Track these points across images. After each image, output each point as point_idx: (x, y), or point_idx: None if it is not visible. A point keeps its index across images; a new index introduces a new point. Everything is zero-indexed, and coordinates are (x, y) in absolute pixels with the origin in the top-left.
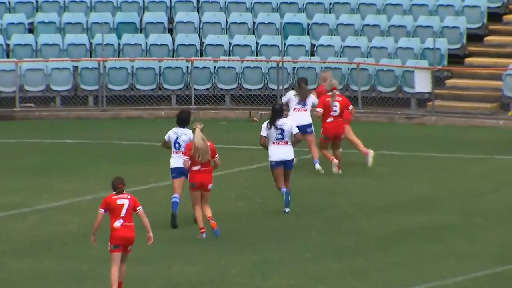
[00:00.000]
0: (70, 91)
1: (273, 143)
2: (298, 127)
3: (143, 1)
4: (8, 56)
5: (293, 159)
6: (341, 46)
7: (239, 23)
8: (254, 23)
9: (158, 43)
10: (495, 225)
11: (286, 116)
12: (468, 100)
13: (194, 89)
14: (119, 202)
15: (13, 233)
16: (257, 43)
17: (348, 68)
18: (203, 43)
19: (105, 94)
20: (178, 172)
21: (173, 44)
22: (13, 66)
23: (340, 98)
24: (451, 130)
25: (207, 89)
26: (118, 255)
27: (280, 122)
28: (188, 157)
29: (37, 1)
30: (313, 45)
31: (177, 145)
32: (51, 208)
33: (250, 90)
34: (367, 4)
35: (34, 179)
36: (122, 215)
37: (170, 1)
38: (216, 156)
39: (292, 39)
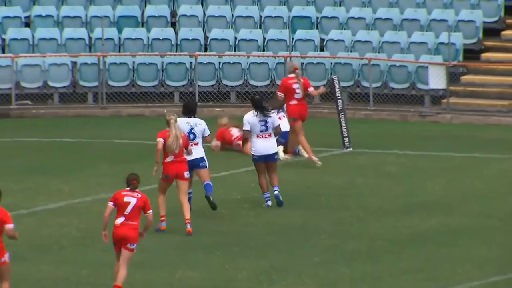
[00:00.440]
0: (68, 87)
1: (257, 136)
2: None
3: None
4: (3, 51)
5: (277, 152)
6: (352, 40)
7: (245, 16)
8: (260, 16)
9: (161, 38)
10: None
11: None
12: (484, 97)
13: (198, 85)
14: (126, 199)
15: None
16: (264, 38)
17: (359, 64)
18: (208, 37)
19: (105, 91)
20: (189, 166)
21: (176, 38)
22: (9, 62)
23: (302, 80)
24: (467, 128)
25: (212, 85)
26: (118, 254)
27: (264, 113)
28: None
29: None
30: (322, 40)
31: (191, 136)
32: (48, 210)
33: (256, 86)
34: None
35: (30, 180)
36: (126, 212)
37: None
38: (188, 146)
39: (300, 34)
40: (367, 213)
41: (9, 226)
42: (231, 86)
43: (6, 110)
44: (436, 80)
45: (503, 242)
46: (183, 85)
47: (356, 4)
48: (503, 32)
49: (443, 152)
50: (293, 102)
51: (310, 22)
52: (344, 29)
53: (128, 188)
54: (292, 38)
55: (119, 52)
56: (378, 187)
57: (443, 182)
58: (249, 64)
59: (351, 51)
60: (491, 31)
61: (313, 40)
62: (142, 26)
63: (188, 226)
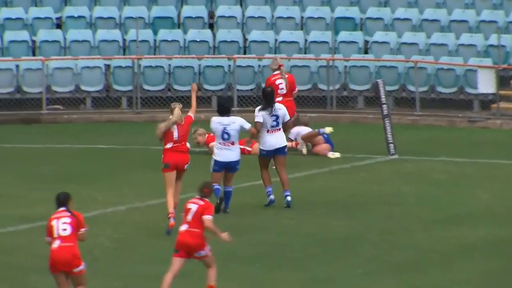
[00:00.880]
0: (101, 92)
1: (268, 131)
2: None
3: None
4: (34, 54)
5: (286, 145)
6: (397, 42)
7: (286, 17)
8: (302, 17)
9: (198, 40)
10: None
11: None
12: None
13: (237, 89)
14: (188, 206)
15: (39, 248)
16: (306, 40)
17: (405, 67)
18: (247, 39)
19: (139, 95)
20: (221, 166)
21: (214, 40)
22: (40, 65)
23: (287, 76)
24: None
25: (251, 89)
26: (176, 260)
27: (275, 107)
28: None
29: None
30: (366, 42)
31: (225, 135)
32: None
33: (298, 90)
34: None
35: (62, 188)
36: (187, 219)
37: None
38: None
39: (343, 35)
40: (413, 222)
41: (83, 230)
42: None
43: (37, 115)
44: (486, 84)
45: None
46: (221, 89)
47: (402, 5)
48: None
49: (493, 159)
50: (278, 98)
51: (354, 23)
52: (390, 30)
53: (197, 196)
54: (335, 40)
55: (154, 54)
56: (425, 195)
57: (493, 190)
58: (290, 67)
59: (396, 54)
60: None
61: (357, 42)
62: (179, 27)
63: (172, 220)
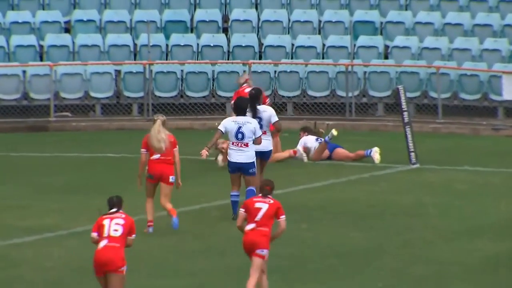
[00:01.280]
0: (111, 98)
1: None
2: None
3: None
4: (41, 59)
5: (271, 150)
6: (419, 47)
7: (303, 21)
8: (320, 21)
9: (211, 44)
10: None
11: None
12: None
13: None
14: (257, 205)
15: (47, 260)
16: (323, 44)
17: (427, 73)
18: (262, 44)
19: (151, 102)
20: (233, 167)
21: (228, 45)
22: (48, 70)
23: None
24: None
25: (267, 96)
26: (253, 260)
27: (260, 109)
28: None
29: None
30: (386, 47)
31: (239, 135)
32: (90, 231)
33: (315, 97)
34: (448, 0)
35: (71, 199)
36: (256, 219)
37: None
38: (175, 148)
39: (363, 40)
40: (435, 235)
41: (133, 236)
42: (287, 97)
43: (45, 123)
44: (511, 90)
45: None
46: None
47: (424, 8)
48: None
49: None
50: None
51: (374, 27)
52: (411, 35)
53: (260, 195)
54: (354, 45)
55: (166, 60)
56: (448, 206)
57: None
58: (307, 73)
59: (418, 59)
60: None
61: (377, 47)
62: (191, 31)
63: (150, 229)
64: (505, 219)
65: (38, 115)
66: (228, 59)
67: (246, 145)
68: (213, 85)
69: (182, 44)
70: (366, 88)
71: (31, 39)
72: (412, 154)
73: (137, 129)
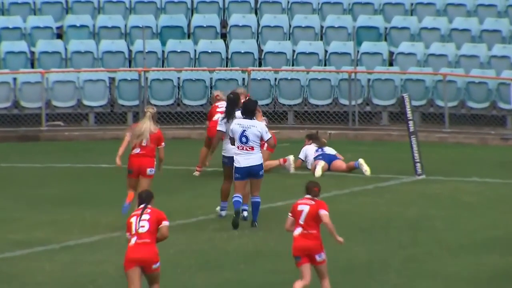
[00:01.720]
0: (105, 107)
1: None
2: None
3: (192, 1)
4: (33, 66)
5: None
6: (425, 54)
7: (304, 27)
8: (322, 27)
9: (209, 51)
10: None
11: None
12: None
13: None
14: (299, 208)
15: (38, 275)
16: (326, 51)
17: (433, 80)
18: (262, 50)
19: None
20: (244, 173)
21: (227, 51)
22: (39, 78)
23: None
24: None
25: (267, 104)
26: (303, 267)
27: (237, 115)
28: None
29: (67, 1)
30: (391, 53)
31: (243, 139)
32: (83, 244)
33: (317, 106)
34: (455, 5)
35: (63, 211)
36: (300, 222)
37: (223, 1)
38: (162, 144)
39: (366, 46)
40: (441, 249)
41: (165, 223)
42: (288, 105)
43: (36, 132)
44: None
45: None
46: None
47: (430, 13)
48: None
49: None
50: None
51: (378, 33)
52: (416, 41)
53: (307, 196)
54: (357, 51)
55: (162, 67)
56: (454, 219)
57: None
58: (309, 80)
59: (423, 66)
60: None
61: (381, 54)
62: (189, 37)
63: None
64: None
65: (29, 124)
66: (226, 66)
67: (252, 148)
68: (211, 93)
69: (178, 51)
70: (370, 96)
71: (22, 45)
72: (418, 164)
73: None
